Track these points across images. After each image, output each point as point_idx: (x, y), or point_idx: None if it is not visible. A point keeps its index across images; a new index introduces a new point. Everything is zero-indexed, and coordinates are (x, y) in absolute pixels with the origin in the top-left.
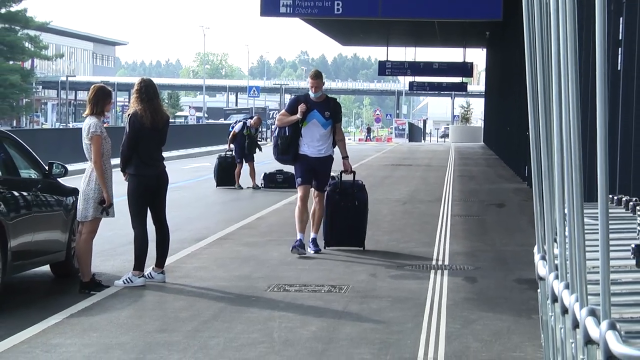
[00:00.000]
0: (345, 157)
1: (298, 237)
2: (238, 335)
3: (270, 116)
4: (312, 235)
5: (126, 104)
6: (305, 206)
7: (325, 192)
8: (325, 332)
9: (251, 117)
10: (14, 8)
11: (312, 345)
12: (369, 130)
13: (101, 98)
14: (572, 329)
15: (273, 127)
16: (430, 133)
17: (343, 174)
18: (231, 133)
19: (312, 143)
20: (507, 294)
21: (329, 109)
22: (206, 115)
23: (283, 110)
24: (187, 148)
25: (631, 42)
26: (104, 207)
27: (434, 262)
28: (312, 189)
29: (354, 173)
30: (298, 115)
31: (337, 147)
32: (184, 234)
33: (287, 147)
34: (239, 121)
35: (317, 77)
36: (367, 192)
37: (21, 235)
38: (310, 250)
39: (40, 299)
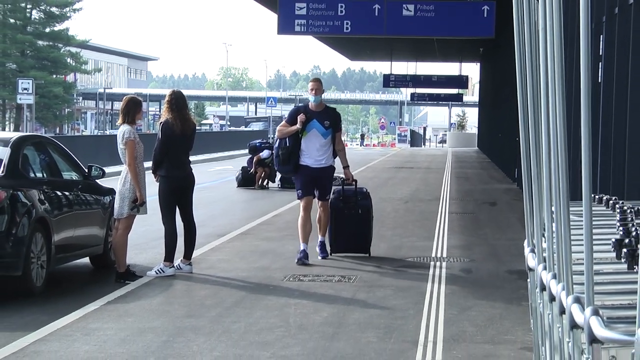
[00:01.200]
0: (346, 166)
1: (301, 248)
2: (257, 321)
3: None
4: (319, 238)
5: (157, 113)
6: (308, 216)
7: (329, 200)
8: (335, 318)
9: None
10: (57, 27)
11: (324, 329)
12: (362, 137)
13: (132, 107)
14: (559, 314)
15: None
16: (430, 139)
17: (345, 182)
18: (256, 157)
19: (312, 153)
20: (499, 284)
21: (328, 119)
22: (228, 123)
23: (283, 122)
24: (212, 152)
25: (610, 57)
26: (136, 204)
27: (433, 255)
28: (316, 199)
29: (356, 182)
30: (298, 126)
31: (338, 157)
32: (209, 229)
33: (287, 158)
34: (263, 143)
35: (317, 80)
36: (371, 199)
37: (63, 230)
38: (318, 257)
39: (80, 287)
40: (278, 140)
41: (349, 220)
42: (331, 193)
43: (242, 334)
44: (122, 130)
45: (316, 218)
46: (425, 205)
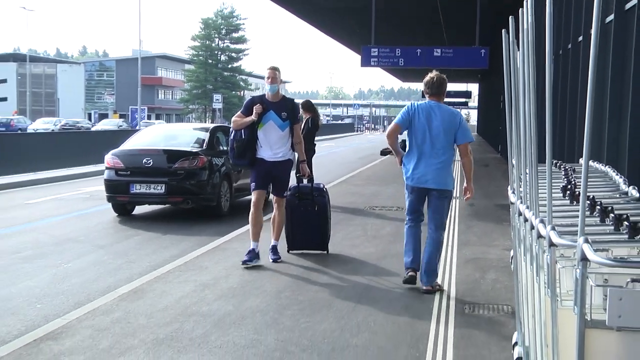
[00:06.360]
0: (302, 160)
1: (251, 247)
2: (349, 233)
3: (366, 121)
4: (272, 242)
5: None
6: (258, 211)
7: (285, 197)
8: (394, 230)
9: None
10: (235, 64)
11: (388, 238)
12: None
13: None
14: (529, 230)
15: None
16: None
17: (299, 177)
18: None
19: (269, 146)
20: (490, 212)
21: (285, 110)
22: (331, 118)
23: (239, 112)
24: (324, 135)
25: (564, 79)
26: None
27: None
28: (272, 195)
29: (312, 178)
30: (253, 117)
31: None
32: (320, 180)
33: (243, 151)
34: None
35: (274, 68)
36: (328, 195)
37: (238, 180)
38: (269, 259)
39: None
40: (233, 132)
41: (305, 217)
42: (288, 190)
43: (340, 241)
44: None
45: (271, 218)
46: None
